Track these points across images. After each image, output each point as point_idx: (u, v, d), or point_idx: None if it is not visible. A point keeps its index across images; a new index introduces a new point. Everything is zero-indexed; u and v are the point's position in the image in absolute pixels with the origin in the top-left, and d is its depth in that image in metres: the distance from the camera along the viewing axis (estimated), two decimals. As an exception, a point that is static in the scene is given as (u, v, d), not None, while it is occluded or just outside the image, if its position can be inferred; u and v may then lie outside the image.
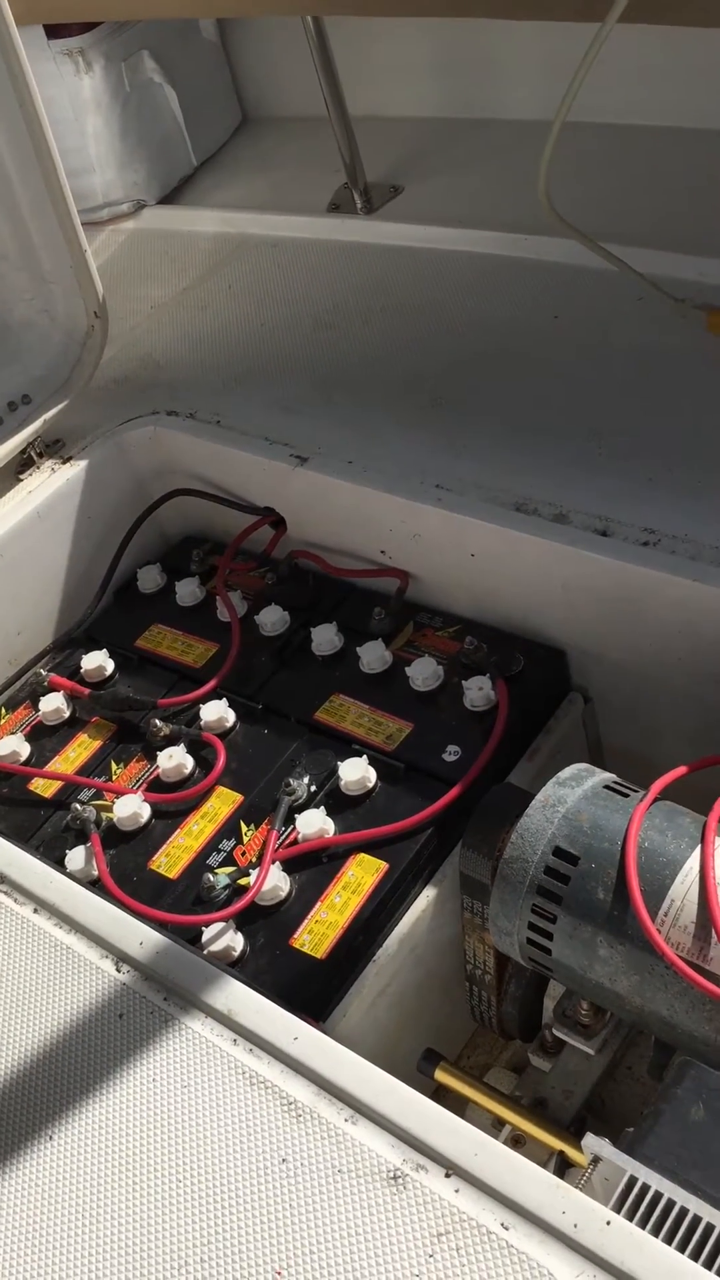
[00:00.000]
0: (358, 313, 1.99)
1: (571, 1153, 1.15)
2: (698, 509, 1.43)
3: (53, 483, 1.81)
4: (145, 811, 1.50)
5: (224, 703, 1.61)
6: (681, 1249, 0.88)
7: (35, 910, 1.21)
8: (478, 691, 1.51)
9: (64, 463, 1.84)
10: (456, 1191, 0.91)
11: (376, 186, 2.32)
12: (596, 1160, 0.95)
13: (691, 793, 1.21)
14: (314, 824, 1.41)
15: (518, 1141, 1.21)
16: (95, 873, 1.43)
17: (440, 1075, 1.26)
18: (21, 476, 1.82)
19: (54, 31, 2.30)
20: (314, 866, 1.40)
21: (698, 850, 1.12)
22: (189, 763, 1.55)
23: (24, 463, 1.82)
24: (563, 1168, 1.16)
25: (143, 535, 1.89)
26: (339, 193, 2.35)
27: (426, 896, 1.40)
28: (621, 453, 1.55)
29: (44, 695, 1.71)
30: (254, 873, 1.37)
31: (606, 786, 1.22)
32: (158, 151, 2.53)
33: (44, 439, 1.84)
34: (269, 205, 2.43)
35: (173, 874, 1.44)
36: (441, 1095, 1.25)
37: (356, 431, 1.72)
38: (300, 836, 1.41)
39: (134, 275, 2.31)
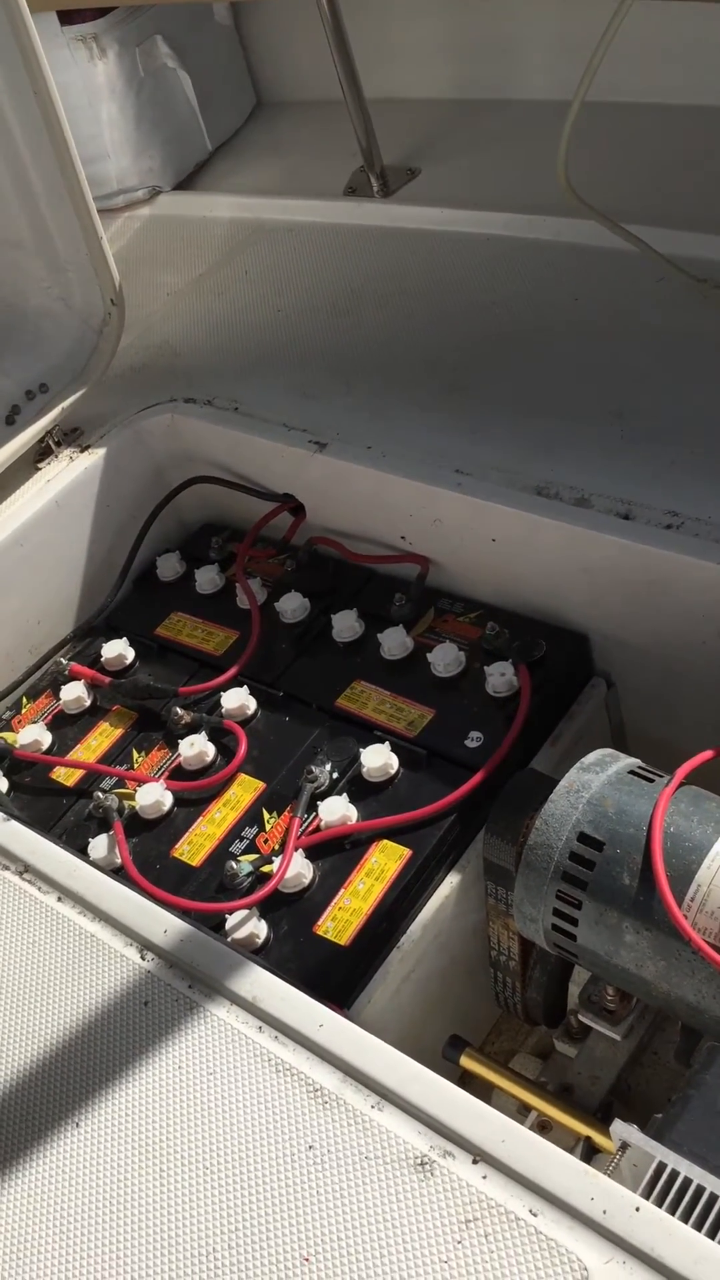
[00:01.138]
0: (375, 297, 1.98)
1: (598, 1138, 1.15)
2: (721, 491, 1.42)
3: (71, 471, 1.80)
4: (167, 799, 1.50)
5: (245, 690, 1.61)
6: (711, 1235, 0.87)
7: (60, 899, 1.21)
8: (500, 677, 1.50)
9: (82, 451, 1.83)
10: (484, 1178, 0.91)
11: (393, 169, 2.30)
12: (625, 1146, 0.94)
13: (718, 777, 1.20)
14: (336, 811, 1.41)
15: (544, 1127, 1.21)
16: (118, 861, 1.44)
17: (466, 1061, 1.26)
18: (40, 465, 1.82)
19: (67, 18, 2.29)
20: (337, 853, 1.39)
21: (724, 835, 1.11)
22: (210, 750, 1.55)
23: (42, 451, 1.82)
24: (589, 1153, 1.15)
25: (162, 523, 1.88)
26: (355, 176, 2.33)
27: (450, 883, 1.40)
28: (643, 435, 1.54)
29: (65, 684, 1.71)
30: (277, 860, 1.37)
31: (631, 772, 1.21)
32: (172, 137, 2.52)
33: (62, 427, 1.84)
34: (284, 190, 2.42)
35: (195, 862, 1.44)
36: (467, 1081, 1.26)
37: (375, 416, 1.71)
38: (323, 824, 1.41)
39: (150, 262, 2.30)
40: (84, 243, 1.74)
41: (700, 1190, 0.90)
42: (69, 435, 1.86)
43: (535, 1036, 1.57)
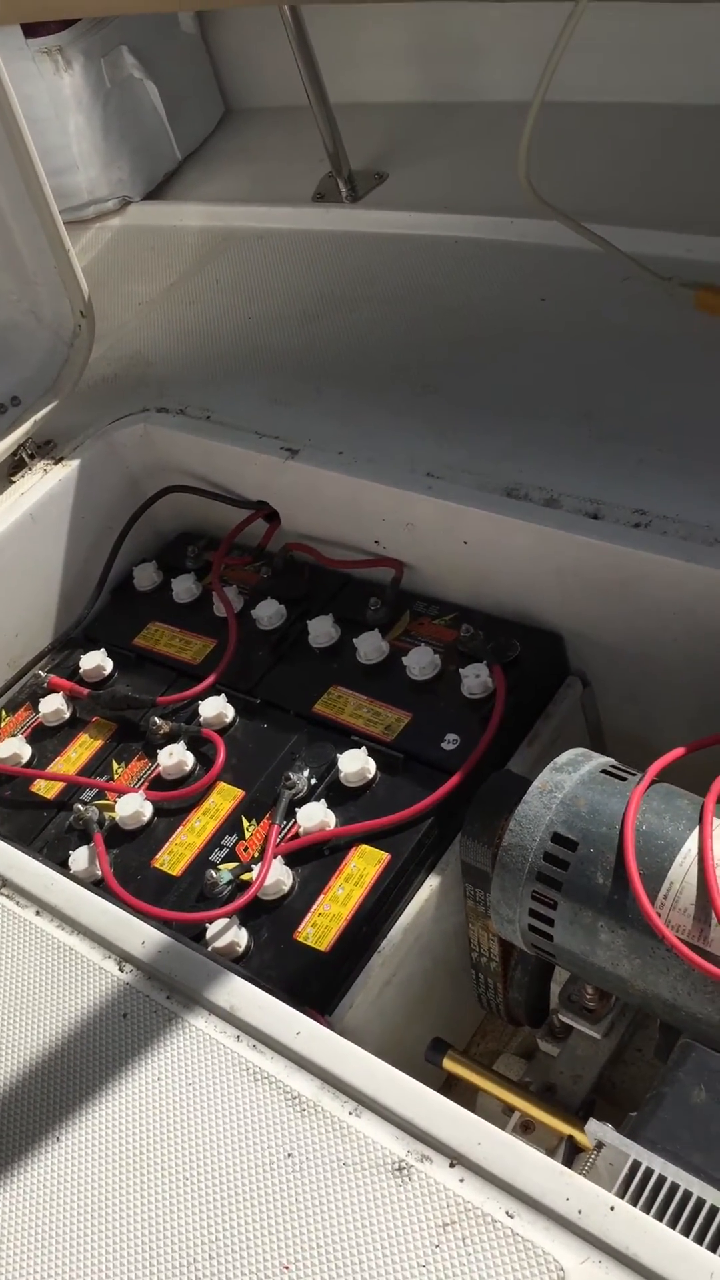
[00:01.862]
0: (345, 302, 1.98)
1: (580, 1138, 1.15)
2: (689, 489, 1.42)
3: (45, 484, 1.81)
4: (147, 810, 1.50)
5: (223, 698, 1.61)
6: (686, 1232, 0.88)
7: (38, 912, 1.21)
8: (475, 679, 1.51)
9: (56, 463, 1.84)
10: (461, 1181, 0.91)
11: (361, 174, 2.31)
12: (600, 1145, 0.95)
13: (693, 773, 1.20)
14: (315, 817, 1.41)
15: (527, 1128, 1.21)
16: (99, 873, 1.44)
17: (448, 1064, 1.26)
18: (14, 479, 1.82)
19: (31, 30, 2.29)
20: (316, 859, 1.40)
21: (696, 832, 1.12)
22: (189, 760, 1.56)
23: (16, 465, 1.83)
24: (572, 1153, 1.16)
25: (137, 533, 1.88)
26: (324, 182, 2.33)
27: (430, 886, 1.40)
28: (611, 434, 1.54)
29: (44, 697, 1.71)
30: (256, 868, 1.37)
31: (604, 770, 1.21)
32: (141, 147, 2.52)
33: (35, 440, 1.84)
34: (254, 197, 2.42)
35: (176, 871, 1.44)
36: (452, 1084, 1.26)
37: (346, 422, 1.72)
38: (301, 830, 1.41)
39: (121, 272, 2.31)
40: (51, 255, 1.74)
41: (675, 1188, 0.90)
42: (42, 448, 1.87)
43: (519, 1037, 1.58)
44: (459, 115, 2.40)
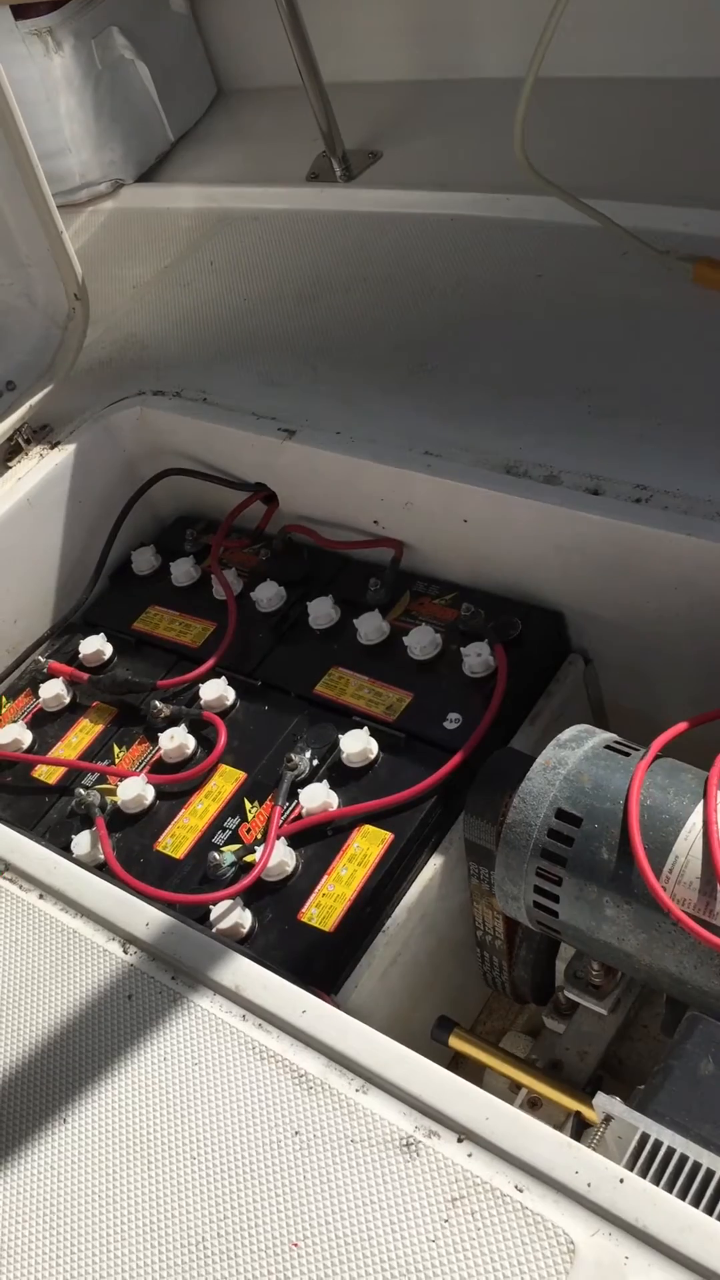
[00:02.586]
0: (340, 282, 1.97)
1: (587, 1113, 1.15)
2: (689, 464, 1.42)
3: (42, 469, 1.80)
4: (149, 793, 1.50)
5: (223, 681, 1.60)
6: (695, 1203, 0.88)
7: (41, 896, 1.20)
8: (476, 658, 1.50)
9: (52, 448, 1.83)
10: (469, 1156, 0.91)
11: (355, 153, 2.30)
12: (608, 1119, 0.95)
13: (697, 748, 1.20)
14: (317, 798, 1.41)
15: (534, 1104, 1.21)
16: (101, 856, 1.44)
17: (455, 1042, 1.26)
18: (10, 464, 1.81)
19: (20, 12, 2.27)
20: (319, 840, 1.39)
21: (700, 806, 1.11)
22: (191, 743, 1.55)
23: (12, 450, 1.82)
24: (579, 1128, 1.16)
25: (135, 517, 1.88)
26: (318, 161, 2.32)
27: (434, 865, 1.40)
28: (610, 410, 1.54)
29: (44, 682, 1.70)
30: (259, 849, 1.37)
31: (607, 746, 1.21)
32: (133, 129, 2.50)
33: (31, 425, 1.83)
34: (248, 178, 2.41)
35: (179, 854, 1.44)
36: (459, 1062, 1.26)
37: (343, 402, 1.71)
38: (304, 811, 1.41)
39: (115, 255, 2.29)
40: (44, 238, 1.73)
41: (684, 1159, 0.90)
42: (38, 432, 1.86)
43: (525, 1014, 1.58)
44: (453, 93, 2.39)
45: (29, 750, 1.64)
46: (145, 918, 1.14)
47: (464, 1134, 0.92)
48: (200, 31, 2.69)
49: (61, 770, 1.59)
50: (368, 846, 1.37)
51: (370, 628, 1.60)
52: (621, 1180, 0.86)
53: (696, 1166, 0.89)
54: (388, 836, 1.38)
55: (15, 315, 1.83)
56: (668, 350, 1.59)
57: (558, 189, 1.72)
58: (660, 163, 1.94)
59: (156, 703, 1.59)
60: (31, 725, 1.67)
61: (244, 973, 1.07)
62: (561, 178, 1.75)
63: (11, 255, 1.77)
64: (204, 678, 1.63)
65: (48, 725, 1.68)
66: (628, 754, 1.20)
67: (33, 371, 1.83)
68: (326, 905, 1.33)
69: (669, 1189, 0.89)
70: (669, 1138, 0.91)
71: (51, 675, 1.72)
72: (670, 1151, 0.90)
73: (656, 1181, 0.89)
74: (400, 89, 2.46)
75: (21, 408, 1.79)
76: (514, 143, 1.64)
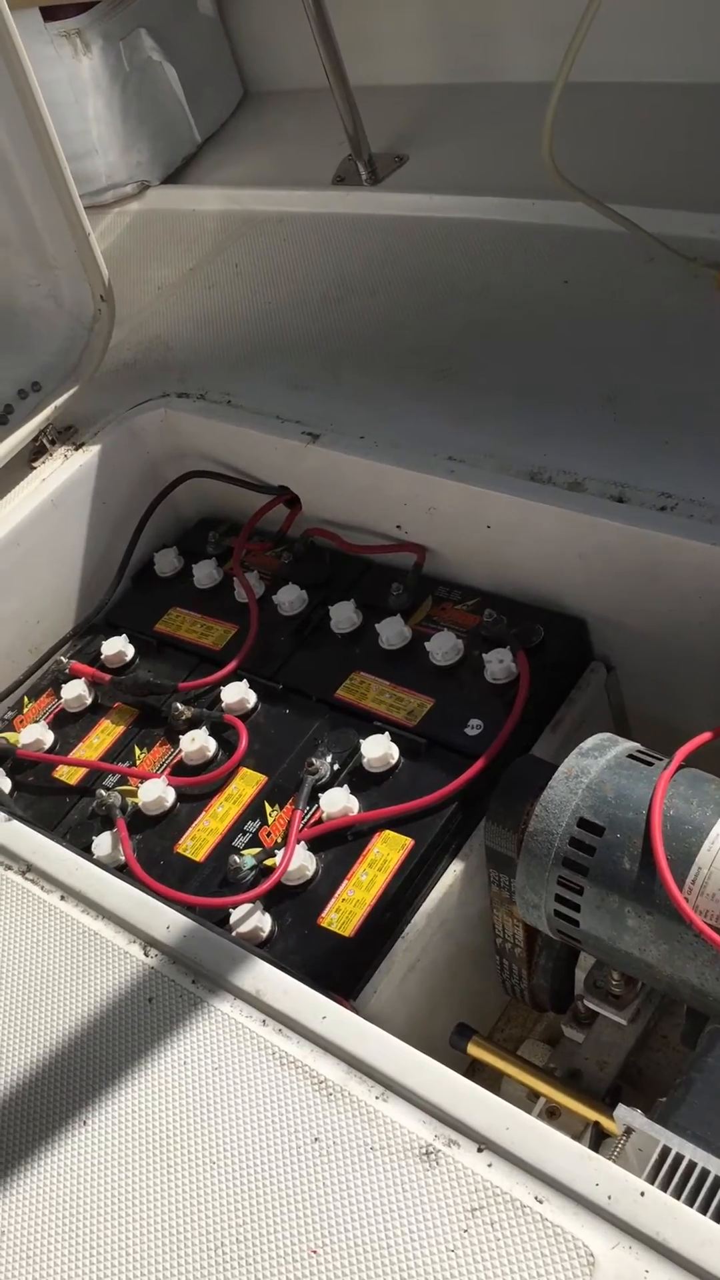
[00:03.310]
0: (365, 286, 1.97)
1: (606, 1123, 1.15)
2: (714, 472, 1.41)
3: (66, 469, 1.80)
4: (170, 795, 1.50)
5: (244, 684, 1.61)
6: (717, 1218, 0.87)
7: (63, 897, 1.21)
8: (498, 664, 1.50)
9: (76, 449, 1.83)
10: (489, 1166, 0.91)
11: (381, 157, 2.29)
12: (629, 1131, 0.94)
13: (718, 758, 1.19)
14: (338, 802, 1.41)
15: (553, 1114, 1.21)
16: (122, 858, 1.44)
17: (473, 1049, 1.26)
18: (35, 465, 1.82)
19: (50, 14, 2.28)
20: (339, 845, 1.39)
21: (724, 817, 1.11)
22: (211, 745, 1.55)
23: (37, 450, 1.82)
24: (598, 1139, 1.15)
25: (158, 519, 1.88)
26: (343, 165, 2.32)
27: (454, 871, 1.40)
28: (635, 417, 1.53)
29: (66, 683, 1.71)
30: (279, 853, 1.37)
31: (630, 755, 1.21)
32: (160, 130, 2.51)
33: (56, 426, 1.84)
34: (273, 180, 2.41)
35: (199, 857, 1.44)
36: (476, 1069, 1.26)
37: (367, 406, 1.71)
38: (325, 815, 1.41)
39: (141, 257, 2.30)
40: (72, 240, 1.74)
41: (705, 1174, 0.90)
42: (63, 433, 1.86)
43: (544, 1022, 1.57)
44: (479, 96, 2.38)
45: (50, 750, 1.65)
46: (166, 920, 1.14)
47: (484, 1144, 0.92)
48: (227, 34, 2.69)
49: (83, 771, 1.60)
50: (388, 852, 1.37)
51: (392, 632, 1.60)
52: (642, 1193, 0.86)
53: (718, 1181, 0.89)
54: (408, 842, 1.37)
55: (42, 316, 1.84)
56: (693, 357, 1.59)
57: (584, 194, 1.72)
58: (688, 169, 1.93)
59: (178, 705, 1.59)
60: (53, 726, 1.68)
61: (265, 977, 1.07)
62: (588, 183, 1.74)
63: (39, 256, 1.78)
64: (225, 680, 1.63)
65: (69, 726, 1.68)
66: (650, 764, 1.19)
67: (58, 373, 1.83)
68: (346, 910, 1.33)
69: (690, 1203, 0.88)
70: (690, 1151, 0.91)
71: (73, 676, 1.72)
72: (691, 1165, 0.90)
73: (678, 1195, 0.89)
74: (427, 92, 2.46)
75: (47, 409, 1.80)
76: (542, 148, 1.63)
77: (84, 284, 1.79)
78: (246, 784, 1.51)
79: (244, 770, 1.52)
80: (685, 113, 2.07)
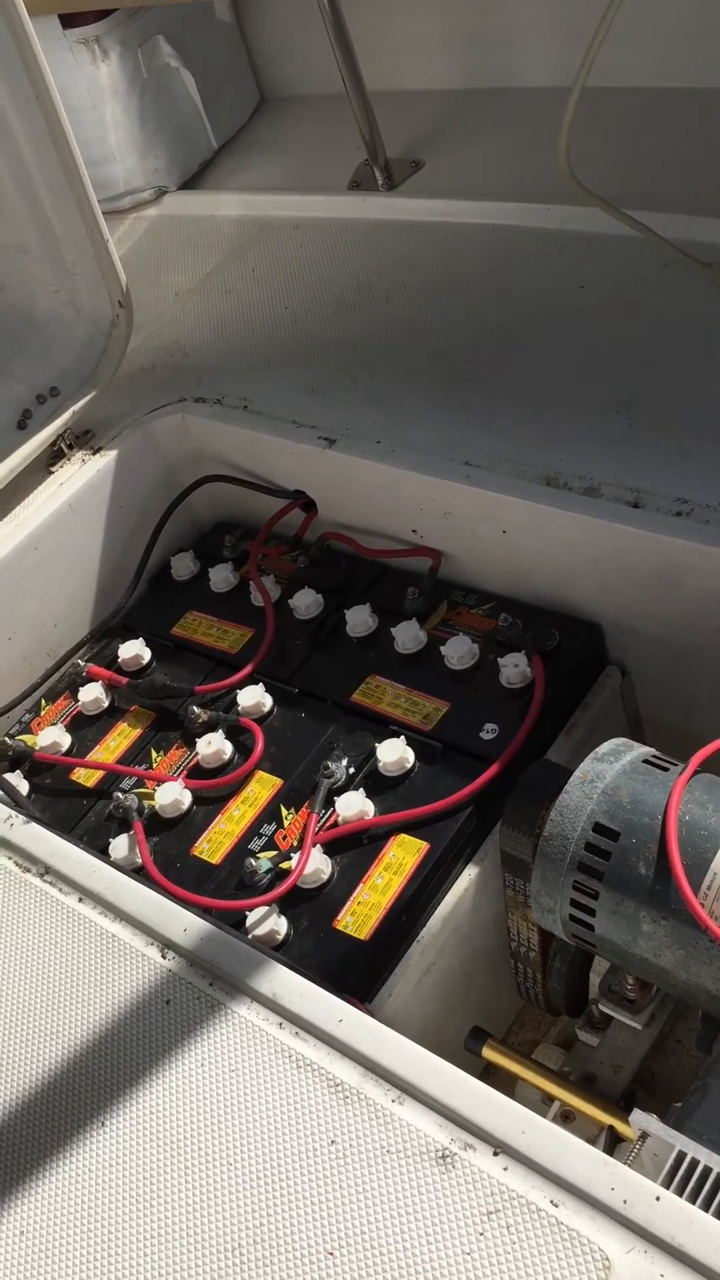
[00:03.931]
0: (381, 291, 1.98)
1: (621, 1128, 1.15)
2: (731, 477, 1.41)
3: (83, 474, 1.81)
4: (186, 798, 1.51)
5: (260, 687, 1.61)
6: (733, 1223, 0.87)
7: (80, 900, 1.22)
8: (514, 668, 1.51)
9: (94, 453, 1.84)
10: (505, 1170, 0.92)
11: (397, 162, 2.30)
12: (645, 1136, 0.95)
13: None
14: (354, 806, 1.41)
15: (567, 1117, 1.21)
16: (139, 860, 1.45)
17: (488, 1053, 1.26)
18: (52, 469, 1.83)
19: (68, 21, 2.29)
20: (355, 848, 1.40)
21: (739, 822, 1.11)
22: (228, 748, 1.56)
23: (54, 455, 1.83)
24: (613, 1143, 1.16)
25: (175, 523, 1.89)
26: (360, 170, 2.33)
27: (469, 875, 1.40)
28: (652, 423, 1.53)
29: (83, 685, 1.72)
30: (295, 856, 1.37)
31: (645, 760, 1.21)
32: (177, 136, 2.52)
33: (73, 430, 1.85)
34: (290, 186, 2.42)
35: (215, 860, 1.45)
36: (491, 1073, 1.26)
37: (384, 411, 1.71)
38: (340, 819, 1.41)
39: (158, 263, 2.31)
40: (90, 245, 1.75)
41: (721, 1178, 0.90)
42: (80, 438, 1.87)
43: (558, 1026, 1.58)
44: (495, 102, 2.39)
45: (68, 753, 1.66)
46: (183, 923, 1.15)
47: (500, 1147, 0.93)
48: (244, 40, 2.70)
49: (100, 774, 1.61)
50: (403, 855, 1.38)
51: (408, 636, 1.61)
52: (658, 1198, 0.86)
53: (733, 1186, 0.89)
54: (423, 846, 1.38)
55: (60, 322, 1.85)
56: (710, 363, 1.59)
57: (601, 200, 1.72)
58: (705, 174, 1.93)
59: (194, 708, 1.60)
60: (70, 728, 1.69)
61: (281, 980, 1.08)
62: (604, 189, 1.75)
63: (58, 263, 1.79)
64: (242, 684, 1.64)
65: (86, 728, 1.69)
66: (666, 769, 1.19)
67: (76, 378, 1.84)
68: (362, 913, 1.34)
69: (705, 1208, 0.88)
70: (706, 1156, 0.91)
71: (90, 679, 1.73)
72: (707, 1170, 0.90)
73: (693, 1200, 0.89)
74: (443, 98, 2.46)
75: (65, 413, 1.81)
76: (559, 153, 1.64)
77: (102, 290, 1.80)
78: (262, 787, 1.51)
79: (260, 773, 1.53)
80: (702, 118, 2.07)
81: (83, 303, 1.83)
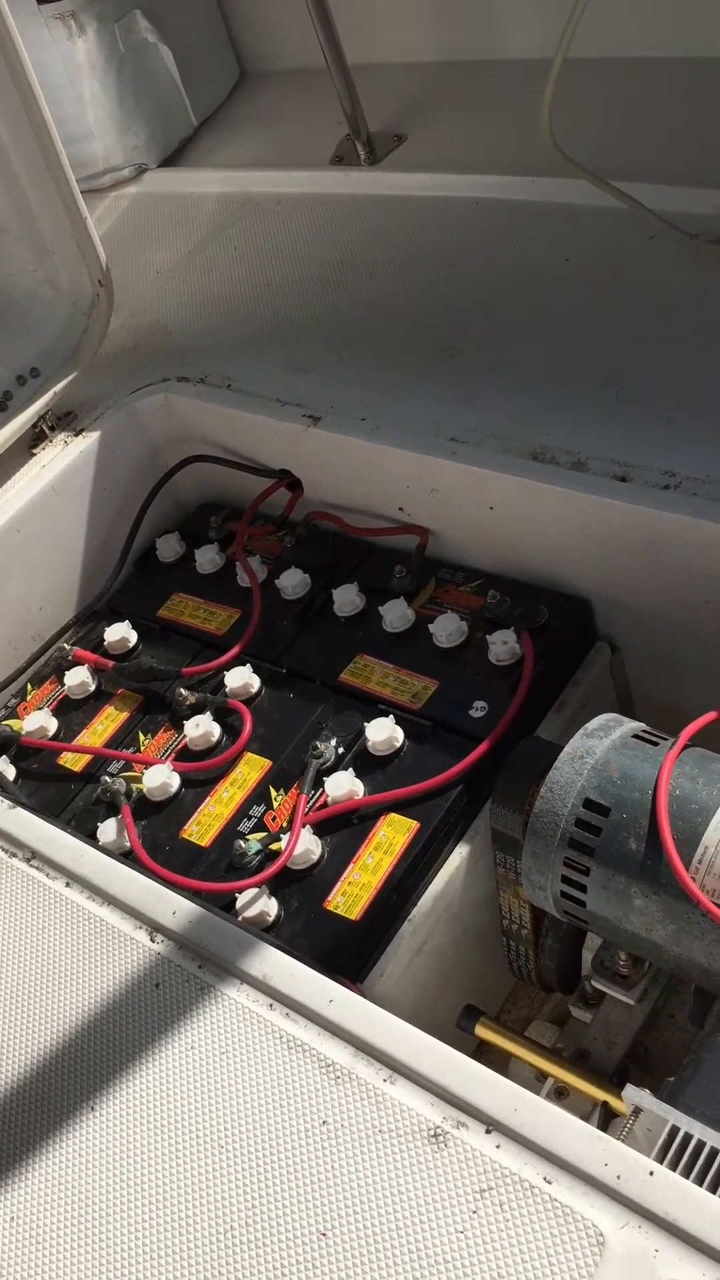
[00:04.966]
0: (365, 266, 1.96)
1: (615, 1103, 1.15)
2: (718, 450, 1.40)
3: (66, 455, 1.80)
4: (175, 781, 1.50)
5: (248, 669, 1.60)
6: (726, 1196, 0.87)
7: (68, 884, 1.21)
8: (502, 645, 1.50)
9: (76, 435, 1.83)
10: (498, 1147, 0.91)
11: (379, 136, 2.28)
12: (637, 1111, 0.94)
13: (724, 737, 1.19)
14: (343, 786, 1.40)
15: (561, 1094, 1.21)
16: (127, 844, 1.44)
17: (480, 1031, 1.26)
18: (34, 451, 1.81)
19: (44, -5, 2.26)
20: (345, 828, 1.39)
21: (730, 796, 1.10)
22: (216, 730, 1.55)
23: (36, 437, 1.82)
24: (606, 1118, 1.16)
25: (160, 504, 1.88)
26: (342, 144, 2.30)
27: (459, 854, 1.39)
28: (638, 396, 1.52)
29: (69, 669, 1.71)
30: (285, 837, 1.37)
31: (635, 736, 1.20)
32: (156, 113, 2.49)
33: (55, 412, 1.83)
34: (271, 162, 2.39)
35: (204, 842, 1.44)
36: (484, 1051, 1.26)
37: (368, 387, 1.70)
38: (330, 799, 1.41)
39: (139, 241, 2.29)
40: (69, 224, 1.73)
41: (714, 1152, 0.89)
42: (63, 419, 1.86)
43: (551, 1003, 1.57)
44: (478, 74, 2.36)
45: (54, 737, 1.64)
46: (172, 906, 1.14)
47: (492, 1125, 0.92)
48: (223, 14, 2.67)
49: (87, 757, 1.60)
50: (393, 835, 1.37)
51: (395, 615, 1.59)
52: (651, 1173, 0.86)
53: (727, 1160, 0.89)
54: (413, 825, 1.37)
55: (39, 302, 1.83)
56: (697, 335, 1.57)
57: (585, 171, 1.70)
58: (689, 144, 1.91)
59: (181, 690, 1.59)
60: (57, 712, 1.67)
61: (271, 962, 1.07)
62: (589, 160, 1.73)
63: (36, 242, 1.76)
64: (229, 665, 1.63)
65: (73, 712, 1.68)
66: (656, 743, 1.19)
67: (57, 358, 1.82)
68: (352, 894, 1.33)
69: (699, 1182, 0.88)
70: (699, 1130, 0.91)
71: (77, 662, 1.72)
72: (700, 1144, 0.90)
73: (686, 1174, 0.89)
74: (425, 71, 2.44)
75: (46, 395, 1.79)
76: (542, 125, 1.62)
77: (82, 269, 1.78)
78: (251, 769, 1.50)
79: (248, 755, 1.52)
80: (685, 87, 2.05)
81: (62, 282, 1.81)
